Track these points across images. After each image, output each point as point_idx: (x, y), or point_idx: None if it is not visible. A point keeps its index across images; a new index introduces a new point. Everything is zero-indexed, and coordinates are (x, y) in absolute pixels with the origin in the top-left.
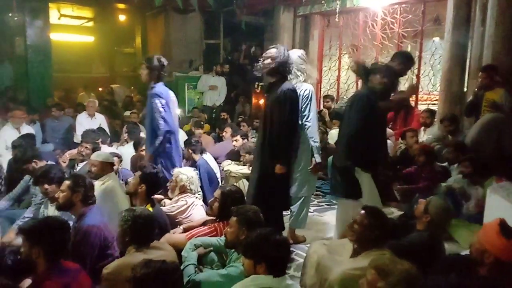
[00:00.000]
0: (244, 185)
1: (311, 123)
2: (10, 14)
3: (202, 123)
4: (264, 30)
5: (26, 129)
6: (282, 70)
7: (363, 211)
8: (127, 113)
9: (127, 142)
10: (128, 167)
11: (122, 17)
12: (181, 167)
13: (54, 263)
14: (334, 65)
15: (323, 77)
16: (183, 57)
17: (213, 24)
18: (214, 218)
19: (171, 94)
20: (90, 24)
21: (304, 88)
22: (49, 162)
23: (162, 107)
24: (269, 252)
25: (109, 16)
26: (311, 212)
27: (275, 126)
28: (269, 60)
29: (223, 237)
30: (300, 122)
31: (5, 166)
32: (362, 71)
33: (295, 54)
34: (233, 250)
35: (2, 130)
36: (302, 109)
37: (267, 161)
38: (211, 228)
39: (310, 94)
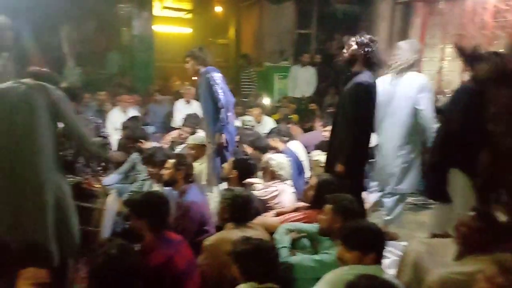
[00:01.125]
0: None
1: (427, 114)
2: (120, 5)
3: (290, 115)
4: (359, 19)
5: (132, 112)
6: (361, 59)
7: (472, 213)
8: None
9: None
10: None
11: (218, 9)
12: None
13: (159, 234)
14: (436, 56)
15: (423, 69)
16: (274, 48)
17: (306, 13)
18: (307, 205)
19: None
20: (189, 16)
21: (416, 78)
22: (153, 143)
23: (219, 81)
24: (379, 242)
25: (206, 8)
26: (404, 210)
27: (343, 120)
28: (348, 49)
29: (316, 224)
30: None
31: (113, 145)
32: (468, 59)
33: (407, 44)
34: (326, 237)
35: (111, 113)
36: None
37: (331, 157)
38: (304, 214)
39: (424, 85)
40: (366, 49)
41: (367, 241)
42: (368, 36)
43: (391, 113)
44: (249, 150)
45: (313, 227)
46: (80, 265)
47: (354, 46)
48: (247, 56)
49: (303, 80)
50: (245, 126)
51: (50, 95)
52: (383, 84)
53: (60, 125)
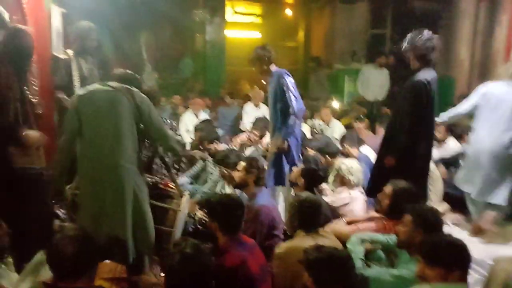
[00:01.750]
0: None
1: None
2: (195, 11)
3: (362, 117)
4: (439, 17)
5: (203, 115)
6: (420, 57)
7: None
8: None
9: None
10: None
11: (288, 12)
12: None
13: (233, 237)
14: None
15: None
16: (346, 49)
17: (380, 12)
18: (381, 215)
19: None
20: (258, 20)
21: None
22: (225, 145)
23: (291, 85)
24: (464, 259)
25: (276, 12)
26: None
27: (397, 118)
28: (408, 47)
29: (392, 236)
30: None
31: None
32: None
33: None
34: (404, 250)
35: (184, 115)
36: None
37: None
38: (378, 224)
39: None
40: (423, 47)
41: (452, 257)
42: (426, 33)
43: (495, 120)
44: (319, 156)
45: (389, 238)
46: (154, 263)
47: (411, 45)
48: (318, 58)
49: (375, 83)
50: (314, 130)
51: (135, 98)
52: (495, 89)
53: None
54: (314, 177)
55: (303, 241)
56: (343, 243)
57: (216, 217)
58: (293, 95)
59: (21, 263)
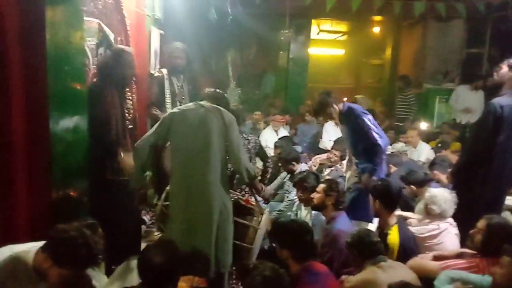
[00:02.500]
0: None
1: None
2: (284, 31)
3: (451, 141)
4: None
5: (283, 131)
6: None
7: None
8: None
9: None
10: None
11: (375, 29)
12: None
13: (304, 265)
14: None
15: None
16: (437, 68)
17: (478, 31)
18: (473, 252)
19: None
20: (343, 37)
21: None
22: (304, 166)
23: (371, 123)
24: None
25: (363, 29)
26: None
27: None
28: (498, 72)
29: (486, 276)
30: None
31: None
32: None
33: None
34: None
35: (264, 131)
36: None
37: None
38: (471, 262)
39: None
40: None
41: None
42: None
43: None
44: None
45: (482, 279)
46: (231, 278)
47: (505, 69)
48: (407, 77)
49: (469, 105)
50: (399, 153)
51: (224, 118)
52: None
53: None
54: (386, 195)
55: (375, 274)
56: (429, 279)
57: (284, 245)
58: (376, 133)
59: (110, 266)
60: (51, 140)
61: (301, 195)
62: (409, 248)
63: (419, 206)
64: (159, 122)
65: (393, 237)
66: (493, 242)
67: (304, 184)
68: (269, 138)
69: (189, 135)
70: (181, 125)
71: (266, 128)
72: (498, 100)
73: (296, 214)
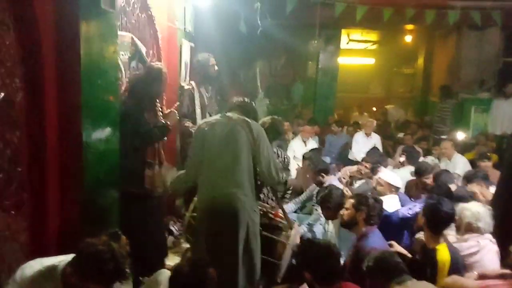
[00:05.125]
0: None
1: None
2: (313, 41)
3: (489, 154)
4: None
5: (312, 142)
6: None
7: None
8: (401, 134)
9: (403, 165)
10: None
11: (408, 38)
12: None
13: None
14: None
15: None
16: (473, 77)
17: None
18: None
19: None
20: (374, 47)
21: None
22: (333, 180)
23: None
24: None
25: (394, 38)
26: None
27: None
28: None
29: None
30: None
31: (293, 173)
32: None
33: None
34: None
35: (293, 142)
36: None
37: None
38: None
39: None
40: None
41: None
42: None
43: None
44: None
45: None
46: None
47: None
48: (447, 87)
49: (506, 115)
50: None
51: (252, 131)
52: None
53: None
54: (435, 214)
55: None
56: None
57: (308, 267)
58: None
59: (137, 277)
60: (83, 152)
61: (325, 213)
62: (459, 265)
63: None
64: (192, 142)
65: (443, 253)
66: None
67: (327, 205)
68: (297, 149)
69: (217, 149)
70: (210, 139)
71: (294, 138)
72: None
73: (325, 228)
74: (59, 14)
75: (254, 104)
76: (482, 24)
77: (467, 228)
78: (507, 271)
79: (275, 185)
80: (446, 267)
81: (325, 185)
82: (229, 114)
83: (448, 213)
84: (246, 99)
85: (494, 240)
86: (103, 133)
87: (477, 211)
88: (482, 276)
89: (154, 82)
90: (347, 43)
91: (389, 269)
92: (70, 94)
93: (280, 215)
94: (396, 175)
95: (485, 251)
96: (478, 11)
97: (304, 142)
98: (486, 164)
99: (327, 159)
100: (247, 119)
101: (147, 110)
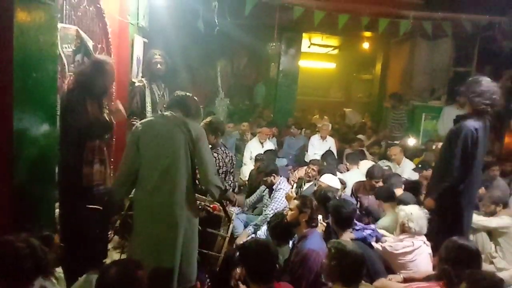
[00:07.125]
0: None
1: None
2: (272, 44)
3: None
4: None
5: (269, 144)
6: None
7: None
8: (362, 136)
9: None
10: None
11: (365, 45)
12: None
13: (263, 286)
14: None
15: None
16: (424, 85)
17: (465, 50)
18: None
19: None
20: (334, 52)
21: None
22: (284, 180)
23: None
24: None
25: (353, 44)
26: None
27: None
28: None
29: None
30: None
31: (246, 174)
32: None
33: None
34: None
35: (250, 143)
36: None
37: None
38: (433, 286)
39: None
40: (471, 95)
41: None
42: (484, 83)
43: None
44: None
45: None
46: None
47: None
48: (399, 95)
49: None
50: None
51: (191, 132)
52: None
53: None
54: (338, 215)
55: None
56: None
57: (244, 264)
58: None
59: (75, 277)
60: (14, 146)
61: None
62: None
63: (384, 220)
64: (126, 145)
65: None
66: (456, 268)
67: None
68: (254, 150)
69: (154, 152)
70: (147, 140)
71: (252, 139)
72: (471, 124)
73: None
74: None
75: (215, 103)
76: (433, 34)
77: (402, 228)
78: (435, 273)
79: (214, 189)
80: None
81: (274, 186)
82: (166, 113)
83: (348, 212)
84: (187, 94)
85: (428, 242)
86: (37, 126)
87: (410, 212)
88: (409, 279)
89: (98, 76)
90: (309, 47)
91: (343, 269)
92: (1, 86)
93: (218, 208)
94: (344, 177)
95: (419, 251)
96: (430, 22)
97: (262, 143)
98: (428, 173)
99: (284, 161)
100: (185, 119)
101: (90, 105)
